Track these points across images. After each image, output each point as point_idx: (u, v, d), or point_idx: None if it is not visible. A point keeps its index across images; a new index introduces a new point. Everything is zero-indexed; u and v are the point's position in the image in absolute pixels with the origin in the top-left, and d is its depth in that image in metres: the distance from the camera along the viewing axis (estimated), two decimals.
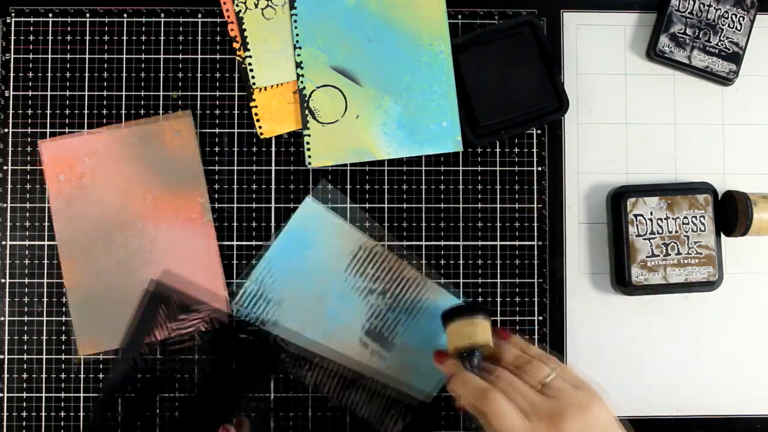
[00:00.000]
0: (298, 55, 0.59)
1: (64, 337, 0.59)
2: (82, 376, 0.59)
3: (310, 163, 0.58)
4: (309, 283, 0.58)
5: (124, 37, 0.60)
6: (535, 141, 0.61)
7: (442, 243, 0.60)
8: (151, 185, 0.58)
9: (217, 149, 0.60)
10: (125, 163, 0.58)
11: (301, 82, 0.59)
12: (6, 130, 0.60)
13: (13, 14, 0.60)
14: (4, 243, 0.59)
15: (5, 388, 0.59)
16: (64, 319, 0.59)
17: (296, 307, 0.58)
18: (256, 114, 0.59)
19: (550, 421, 0.46)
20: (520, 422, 0.46)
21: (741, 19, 0.60)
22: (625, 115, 0.61)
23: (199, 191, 0.59)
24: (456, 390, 0.50)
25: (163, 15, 0.60)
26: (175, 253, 0.58)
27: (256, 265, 0.58)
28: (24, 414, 0.59)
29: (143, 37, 0.60)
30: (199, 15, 0.60)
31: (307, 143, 0.59)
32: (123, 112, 0.60)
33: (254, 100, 0.59)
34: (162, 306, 0.57)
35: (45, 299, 0.59)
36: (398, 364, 0.58)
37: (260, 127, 0.59)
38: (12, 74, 0.60)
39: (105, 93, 0.60)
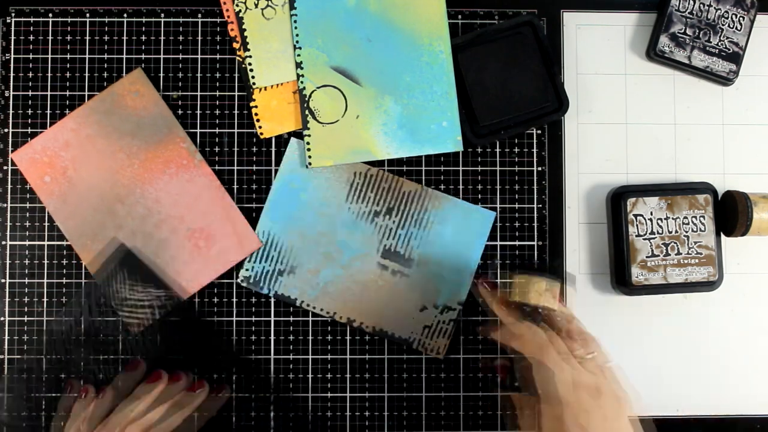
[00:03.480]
0: (298, 55, 0.59)
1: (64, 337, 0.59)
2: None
3: (310, 164, 0.58)
4: (315, 222, 0.59)
5: (124, 37, 0.60)
6: (535, 141, 0.61)
7: None
8: (133, 151, 0.59)
9: (217, 149, 0.60)
10: (100, 140, 0.58)
11: (301, 82, 0.59)
12: (6, 130, 0.60)
13: (13, 14, 0.60)
14: (4, 243, 0.59)
15: (5, 387, 0.59)
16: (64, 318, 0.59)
17: (309, 249, 0.59)
18: (256, 114, 0.59)
19: (589, 393, 0.49)
20: (570, 382, 0.49)
21: (741, 19, 0.60)
22: (625, 115, 0.61)
23: (179, 137, 0.59)
24: (521, 334, 0.53)
25: (163, 15, 0.60)
26: (182, 202, 0.58)
27: (259, 221, 0.59)
28: (24, 414, 0.59)
29: (143, 37, 0.60)
30: (199, 15, 0.60)
31: (308, 143, 0.59)
32: None
33: (254, 100, 0.59)
34: (128, 269, 0.57)
35: (45, 299, 0.59)
36: (422, 277, 0.59)
37: (260, 127, 0.59)
38: (12, 74, 0.60)
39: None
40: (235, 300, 0.59)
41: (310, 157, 0.59)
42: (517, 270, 0.55)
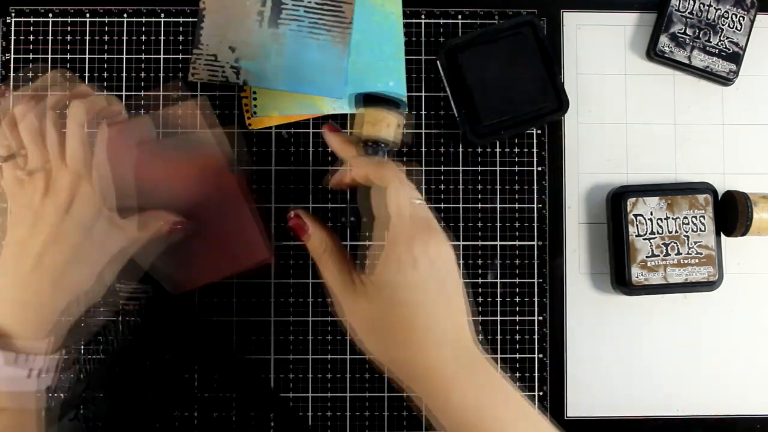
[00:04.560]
0: None
1: None
2: (82, 376, 0.59)
3: (255, 113, 0.59)
4: None
5: (124, 37, 0.60)
6: (535, 141, 0.61)
7: None
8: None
9: None
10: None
11: None
12: None
13: (13, 14, 0.60)
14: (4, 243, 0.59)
15: None
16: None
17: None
18: (245, 105, 0.60)
19: (421, 225, 0.44)
20: (407, 205, 0.44)
21: (741, 19, 0.60)
22: (625, 115, 0.61)
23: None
24: (354, 166, 0.48)
25: (162, 15, 0.60)
26: (197, 202, 0.56)
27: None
28: None
29: (143, 37, 0.60)
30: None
31: (254, 93, 0.59)
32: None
33: (244, 90, 0.59)
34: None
35: None
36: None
37: (249, 118, 0.60)
38: (12, 74, 0.60)
39: (105, 93, 0.60)
40: (235, 300, 0.59)
41: (255, 107, 0.59)
42: (363, 102, 0.50)
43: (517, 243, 0.60)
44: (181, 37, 0.60)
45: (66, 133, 0.50)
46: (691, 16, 0.60)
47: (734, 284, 0.60)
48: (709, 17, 0.60)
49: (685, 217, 0.58)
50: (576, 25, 0.61)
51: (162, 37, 0.60)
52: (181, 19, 0.60)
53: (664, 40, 0.60)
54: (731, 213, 0.57)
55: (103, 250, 0.50)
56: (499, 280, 0.60)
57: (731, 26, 0.60)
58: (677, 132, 0.61)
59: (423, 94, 0.60)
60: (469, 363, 0.44)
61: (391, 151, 0.50)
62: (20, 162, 0.50)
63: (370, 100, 0.50)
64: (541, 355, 0.60)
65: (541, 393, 0.59)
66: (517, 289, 0.60)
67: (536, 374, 0.60)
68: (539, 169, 0.61)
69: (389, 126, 0.49)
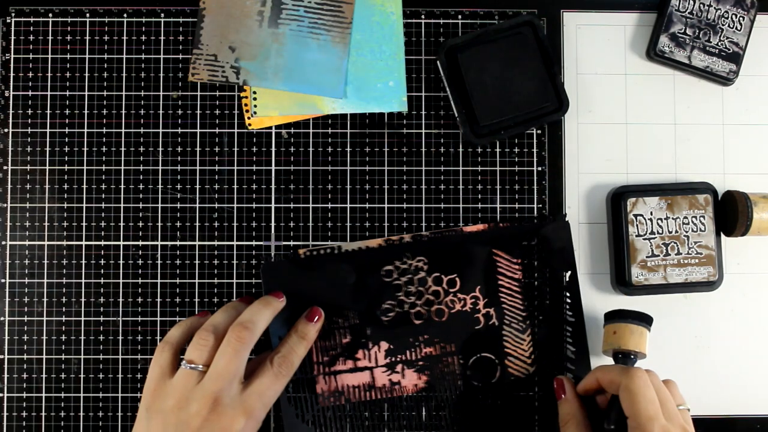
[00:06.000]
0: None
1: (64, 337, 0.59)
2: (82, 376, 0.59)
3: (255, 113, 0.59)
4: None
5: (124, 37, 0.60)
6: (535, 141, 0.61)
7: None
8: None
9: (217, 149, 0.60)
10: None
11: None
12: (6, 130, 0.60)
13: (13, 14, 0.60)
14: (4, 243, 0.59)
15: (5, 388, 0.59)
16: (64, 319, 0.59)
17: None
18: (245, 105, 0.60)
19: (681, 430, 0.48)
20: (659, 413, 0.48)
21: (741, 19, 0.60)
22: (625, 115, 0.61)
23: None
24: (602, 369, 0.52)
25: (162, 15, 0.60)
26: None
27: None
28: (24, 414, 0.59)
29: (143, 37, 0.60)
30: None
31: (254, 93, 0.59)
32: (123, 112, 0.60)
33: (244, 90, 0.59)
34: None
35: (45, 299, 0.59)
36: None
37: (249, 118, 0.60)
38: (12, 74, 0.60)
39: (105, 93, 0.60)
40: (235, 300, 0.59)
41: (256, 106, 0.59)
42: (614, 319, 0.55)
43: None
44: (181, 37, 0.60)
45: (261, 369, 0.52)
46: (691, 16, 0.60)
47: (734, 284, 0.60)
48: (709, 17, 0.60)
49: (685, 217, 0.58)
50: (576, 25, 0.61)
51: (162, 37, 0.60)
52: (181, 19, 0.60)
53: (664, 40, 0.60)
54: (731, 213, 0.57)
55: None
56: None
57: (731, 26, 0.60)
58: (677, 132, 0.61)
59: (423, 94, 0.60)
60: None
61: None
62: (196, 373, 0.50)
63: (619, 316, 0.55)
64: None
65: (541, 393, 0.59)
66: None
67: None
68: (539, 169, 0.61)
69: (637, 337, 0.54)
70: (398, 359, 0.58)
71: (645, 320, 0.54)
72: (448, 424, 0.58)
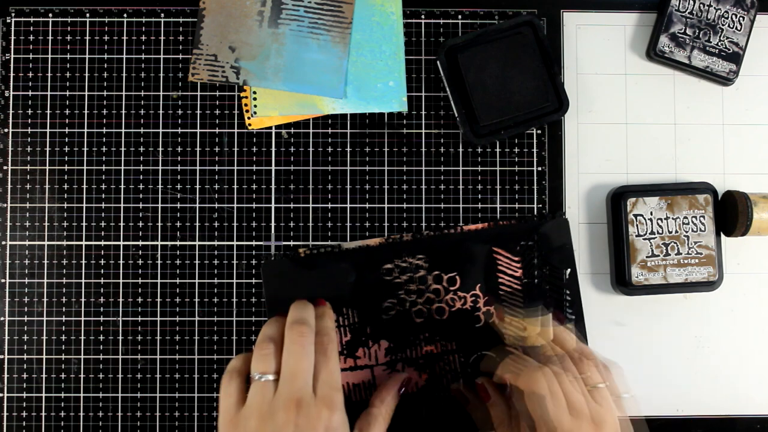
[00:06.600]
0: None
1: (64, 337, 0.59)
2: (82, 376, 0.59)
3: (255, 113, 0.59)
4: None
5: (124, 37, 0.60)
6: (535, 141, 0.61)
7: None
8: None
9: (217, 149, 0.60)
10: None
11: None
12: (6, 130, 0.60)
13: (13, 14, 0.60)
14: (4, 243, 0.59)
15: (5, 388, 0.59)
16: (64, 319, 0.59)
17: None
18: (245, 105, 0.60)
19: (591, 425, 0.47)
20: (565, 412, 0.47)
21: (741, 19, 0.60)
22: (625, 115, 0.61)
23: None
24: (506, 367, 0.51)
25: (162, 15, 0.60)
26: None
27: None
28: (24, 414, 0.59)
29: (143, 37, 0.60)
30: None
31: (254, 93, 0.59)
32: (123, 112, 0.60)
33: (244, 90, 0.59)
34: None
35: (45, 299, 0.59)
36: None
37: (249, 118, 0.60)
38: (12, 74, 0.60)
39: (105, 93, 0.60)
40: (235, 300, 0.59)
41: (255, 106, 0.59)
42: (507, 312, 0.54)
43: None
44: (181, 37, 0.60)
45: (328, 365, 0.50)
46: (691, 16, 0.60)
47: (734, 284, 0.60)
48: (709, 17, 0.60)
49: (685, 217, 0.58)
50: (576, 25, 0.61)
51: (162, 37, 0.60)
52: (181, 19, 0.60)
53: (664, 40, 0.60)
54: (731, 213, 0.57)
55: None
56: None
57: (731, 26, 0.60)
58: (677, 132, 0.61)
59: (423, 94, 0.60)
60: None
61: None
62: (271, 385, 0.48)
63: (514, 309, 0.55)
64: None
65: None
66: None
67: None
68: (539, 169, 0.61)
69: (539, 328, 0.53)
70: (398, 357, 0.58)
71: (537, 308, 0.54)
72: (449, 421, 0.58)
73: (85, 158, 0.60)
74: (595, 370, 0.51)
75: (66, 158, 0.60)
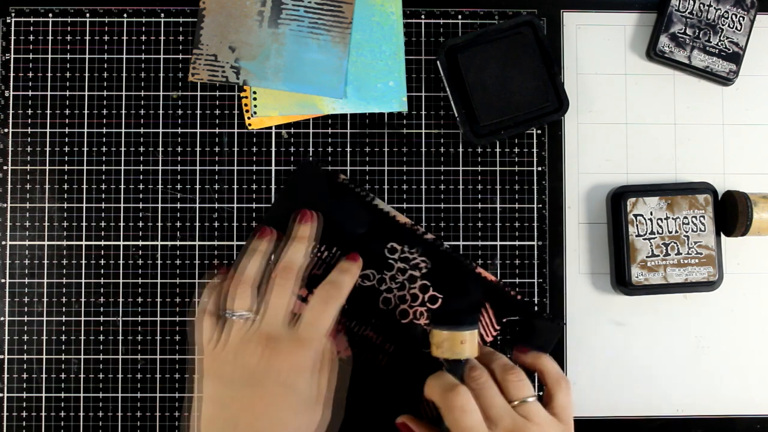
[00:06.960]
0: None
1: (64, 337, 0.59)
2: (82, 376, 0.59)
3: (255, 113, 0.59)
4: None
5: (124, 37, 0.60)
6: (535, 141, 0.61)
7: None
8: None
9: (217, 149, 0.60)
10: None
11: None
12: (6, 130, 0.60)
13: (13, 14, 0.60)
14: (4, 243, 0.59)
15: (5, 388, 0.59)
16: (64, 319, 0.59)
17: None
18: (245, 105, 0.60)
19: None
20: (479, 425, 0.47)
21: (741, 19, 0.60)
22: (625, 115, 0.61)
23: None
24: (429, 387, 0.50)
25: (162, 15, 0.60)
26: None
27: None
28: (24, 414, 0.59)
29: (143, 37, 0.60)
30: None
31: (254, 92, 0.59)
32: (123, 112, 0.60)
33: (244, 90, 0.59)
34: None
35: (45, 299, 0.59)
36: None
37: (249, 118, 0.60)
38: (12, 74, 0.60)
39: (105, 93, 0.60)
40: None
41: (256, 106, 0.59)
42: (432, 325, 0.53)
43: (517, 243, 0.60)
44: (181, 37, 0.60)
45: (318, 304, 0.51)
46: (691, 16, 0.60)
47: (734, 284, 0.60)
48: (709, 17, 0.60)
49: (685, 217, 0.58)
50: (576, 25, 0.61)
51: (162, 37, 0.60)
52: (181, 19, 0.60)
53: (664, 40, 0.60)
54: (731, 213, 0.57)
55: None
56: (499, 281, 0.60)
57: (731, 26, 0.60)
58: (677, 132, 0.61)
59: (423, 94, 0.60)
60: None
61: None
62: (249, 323, 0.51)
63: (440, 322, 0.52)
64: None
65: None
66: (517, 289, 0.60)
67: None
68: (539, 169, 0.61)
69: (463, 343, 0.51)
70: (342, 321, 0.57)
71: (462, 322, 0.52)
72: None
73: (85, 158, 0.60)
74: (521, 384, 0.50)
75: (66, 158, 0.60)
